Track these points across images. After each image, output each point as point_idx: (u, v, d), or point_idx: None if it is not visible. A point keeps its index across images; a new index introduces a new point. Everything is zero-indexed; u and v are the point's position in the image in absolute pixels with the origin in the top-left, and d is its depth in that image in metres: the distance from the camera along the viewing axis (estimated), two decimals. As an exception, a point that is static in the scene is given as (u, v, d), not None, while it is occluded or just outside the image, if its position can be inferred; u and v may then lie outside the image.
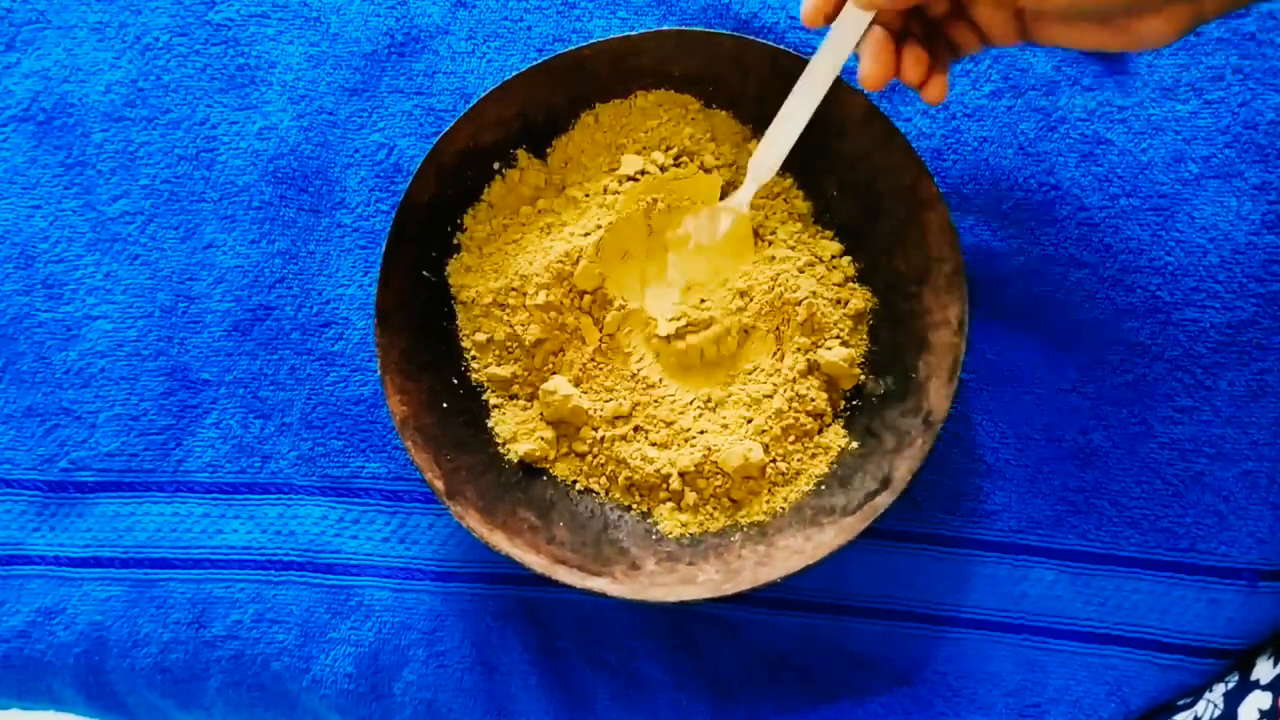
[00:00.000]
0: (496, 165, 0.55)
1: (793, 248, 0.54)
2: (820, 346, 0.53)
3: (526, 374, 0.55)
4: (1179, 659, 0.52)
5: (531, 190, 0.56)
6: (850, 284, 0.54)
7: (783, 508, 0.53)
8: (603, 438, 0.54)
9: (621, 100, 0.55)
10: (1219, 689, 0.50)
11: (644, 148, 0.55)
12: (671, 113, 0.55)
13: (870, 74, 0.46)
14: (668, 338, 0.54)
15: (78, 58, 0.61)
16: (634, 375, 0.54)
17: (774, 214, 0.55)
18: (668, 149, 0.55)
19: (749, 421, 0.53)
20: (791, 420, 0.53)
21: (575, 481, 0.55)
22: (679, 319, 0.54)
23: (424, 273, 0.54)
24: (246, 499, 0.57)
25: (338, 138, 0.59)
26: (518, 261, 0.54)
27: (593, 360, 0.55)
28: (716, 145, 0.55)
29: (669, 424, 0.54)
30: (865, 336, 0.54)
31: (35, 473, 0.59)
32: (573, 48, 0.53)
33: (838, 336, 0.53)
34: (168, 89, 0.60)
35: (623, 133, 0.55)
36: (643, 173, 0.55)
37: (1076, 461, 0.54)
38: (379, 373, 0.51)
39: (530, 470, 0.54)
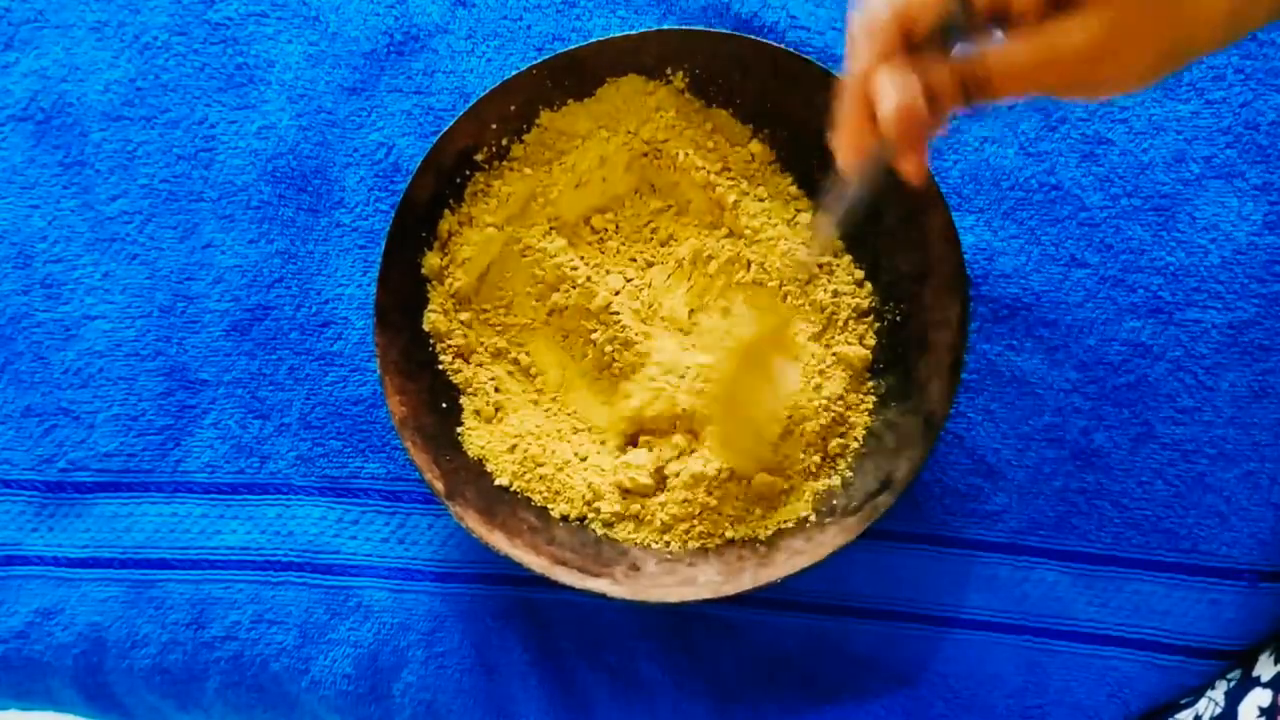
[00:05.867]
0: (496, 164, 0.55)
1: (793, 247, 0.54)
2: (821, 347, 0.53)
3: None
4: (1180, 660, 0.52)
5: (530, 189, 0.55)
6: (851, 284, 0.54)
7: (783, 508, 0.52)
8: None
9: (621, 99, 0.55)
10: (1221, 686, 0.50)
11: (644, 145, 0.55)
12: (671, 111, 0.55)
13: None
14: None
15: (76, 57, 0.61)
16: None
17: (774, 214, 0.55)
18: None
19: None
20: (792, 420, 0.52)
21: (575, 482, 0.54)
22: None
23: (423, 272, 0.54)
24: (245, 499, 0.57)
25: (337, 137, 0.59)
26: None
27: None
28: (716, 144, 0.55)
29: (669, 424, 0.53)
30: (866, 336, 0.54)
31: (34, 473, 0.58)
32: (572, 47, 0.52)
33: (838, 337, 0.53)
34: (166, 88, 0.60)
35: (621, 131, 0.55)
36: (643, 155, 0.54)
37: (1078, 462, 0.54)
38: (378, 372, 0.51)
39: (530, 471, 0.54)
